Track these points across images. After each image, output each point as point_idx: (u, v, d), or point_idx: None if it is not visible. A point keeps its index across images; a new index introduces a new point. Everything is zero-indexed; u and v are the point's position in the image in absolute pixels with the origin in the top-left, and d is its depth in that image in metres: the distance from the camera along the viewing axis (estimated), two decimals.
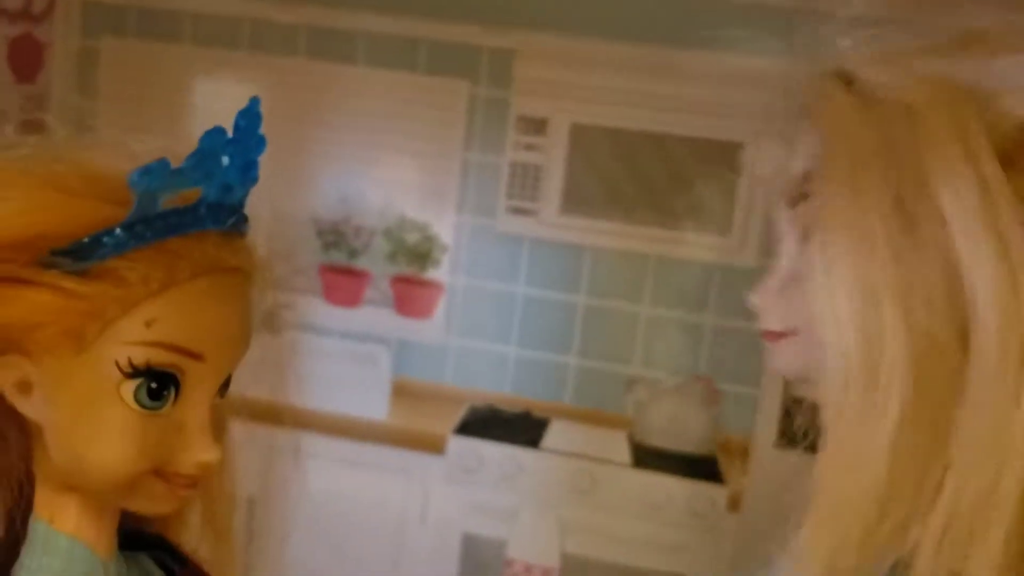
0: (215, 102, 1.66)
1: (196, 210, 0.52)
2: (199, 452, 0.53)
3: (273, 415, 1.77)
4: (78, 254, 0.49)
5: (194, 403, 0.53)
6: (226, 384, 0.56)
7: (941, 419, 0.40)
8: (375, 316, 1.64)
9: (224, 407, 0.59)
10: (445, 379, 1.66)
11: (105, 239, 0.49)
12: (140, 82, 1.68)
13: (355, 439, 1.66)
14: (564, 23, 1.53)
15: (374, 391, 1.66)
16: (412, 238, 1.63)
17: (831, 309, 0.43)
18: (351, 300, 1.65)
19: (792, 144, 0.50)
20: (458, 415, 1.64)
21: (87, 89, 1.71)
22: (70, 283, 0.49)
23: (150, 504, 0.55)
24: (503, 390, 1.64)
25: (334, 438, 1.67)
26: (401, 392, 1.65)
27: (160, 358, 0.51)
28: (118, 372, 0.50)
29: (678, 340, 1.56)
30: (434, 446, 1.63)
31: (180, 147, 0.52)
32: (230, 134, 0.53)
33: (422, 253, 1.63)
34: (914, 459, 0.40)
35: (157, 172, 0.49)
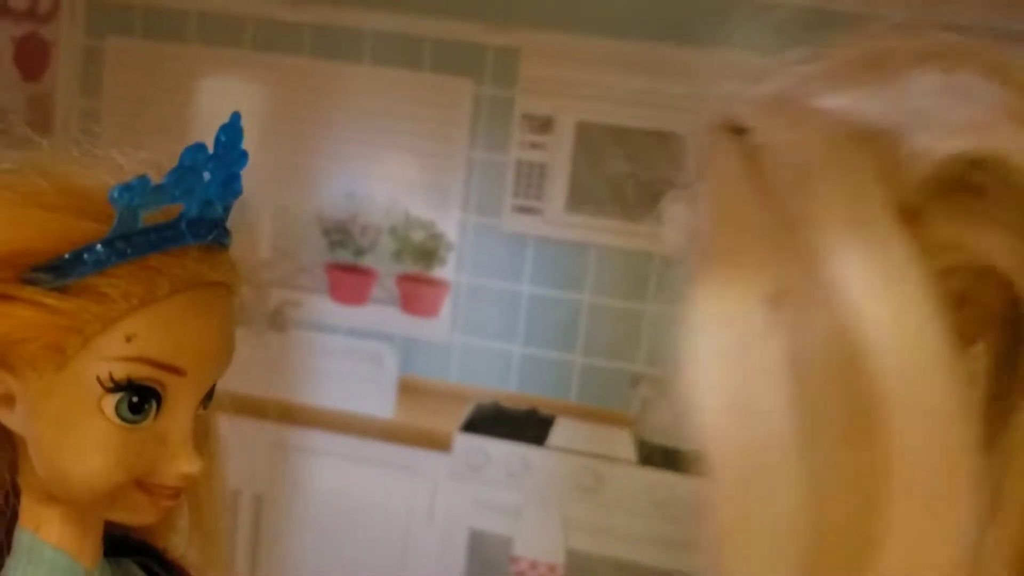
0: (220, 101, 1.67)
1: (177, 226, 0.52)
2: (181, 464, 0.53)
3: (280, 413, 1.78)
4: (59, 270, 0.50)
5: (176, 416, 0.53)
6: (209, 395, 0.57)
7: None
8: (381, 314, 1.65)
9: (206, 417, 0.59)
10: (451, 377, 1.66)
11: (86, 256, 0.50)
12: (145, 81, 1.68)
13: (361, 436, 1.66)
14: (569, 21, 1.53)
15: (380, 389, 1.66)
16: (418, 236, 1.63)
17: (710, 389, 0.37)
18: (357, 298, 1.66)
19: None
20: (464, 413, 1.64)
21: (92, 88, 1.71)
22: (51, 299, 0.50)
23: (133, 515, 0.56)
24: (508, 388, 1.65)
25: (341, 435, 1.67)
26: (407, 390, 1.66)
27: (141, 373, 0.51)
28: (99, 387, 0.51)
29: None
30: (440, 444, 1.63)
31: (165, 161, 0.52)
32: (211, 149, 0.53)
33: (427, 251, 1.63)
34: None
35: (138, 189, 0.49)
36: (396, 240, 1.63)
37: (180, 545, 0.66)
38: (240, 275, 0.57)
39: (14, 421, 0.53)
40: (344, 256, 1.65)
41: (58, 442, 0.52)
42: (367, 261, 1.65)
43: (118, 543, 0.63)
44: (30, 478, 0.55)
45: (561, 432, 1.61)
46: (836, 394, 0.33)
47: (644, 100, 1.51)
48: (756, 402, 0.35)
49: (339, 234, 1.64)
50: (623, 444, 1.59)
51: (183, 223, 0.52)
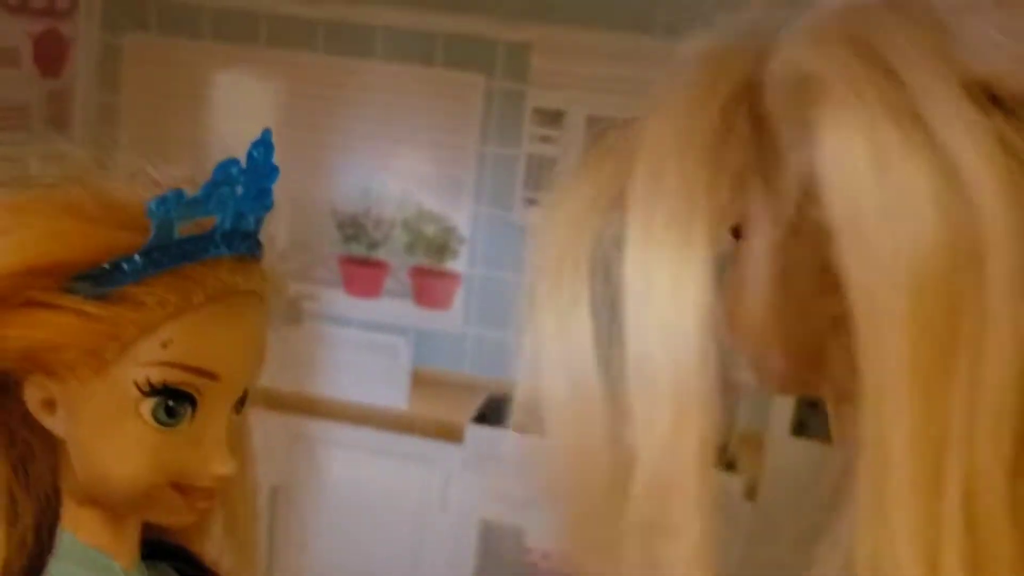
0: (235, 96, 1.68)
1: (211, 238, 0.54)
2: (215, 466, 0.55)
3: (295, 404, 1.80)
4: (98, 280, 0.52)
5: (210, 419, 0.55)
6: (243, 400, 0.58)
7: None
8: (394, 307, 1.66)
9: (241, 422, 0.61)
10: (464, 368, 1.67)
11: (124, 266, 0.52)
12: (162, 77, 1.70)
13: (375, 428, 1.68)
14: (579, 16, 1.54)
15: (394, 380, 1.68)
16: (430, 229, 1.64)
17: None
18: (371, 291, 1.67)
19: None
20: (476, 404, 1.65)
21: (110, 84, 1.73)
22: (90, 307, 0.52)
23: (169, 516, 0.57)
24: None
25: (355, 427, 1.69)
26: (420, 381, 1.67)
27: (176, 377, 0.53)
28: (137, 391, 0.53)
29: None
30: (453, 434, 1.65)
31: (199, 175, 0.54)
32: (243, 164, 0.55)
33: (440, 244, 1.64)
34: None
35: (173, 201, 0.51)
36: (409, 233, 1.65)
37: (213, 551, 0.68)
38: (271, 284, 0.59)
39: (55, 425, 0.55)
40: (358, 249, 1.66)
41: (97, 445, 0.54)
42: (380, 254, 1.66)
43: (155, 547, 0.64)
44: (70, 481, 0.57)
45: None
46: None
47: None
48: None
49: (353, 227, 1.66)
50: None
51: (217, 235, 0.54)
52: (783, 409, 1.55)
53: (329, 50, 1.63)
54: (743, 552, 1.61)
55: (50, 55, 1.73)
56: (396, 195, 1.64)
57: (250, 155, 0.56)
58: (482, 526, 1.66)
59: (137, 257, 0.52)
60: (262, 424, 0.72)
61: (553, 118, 1.57)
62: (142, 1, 1.70)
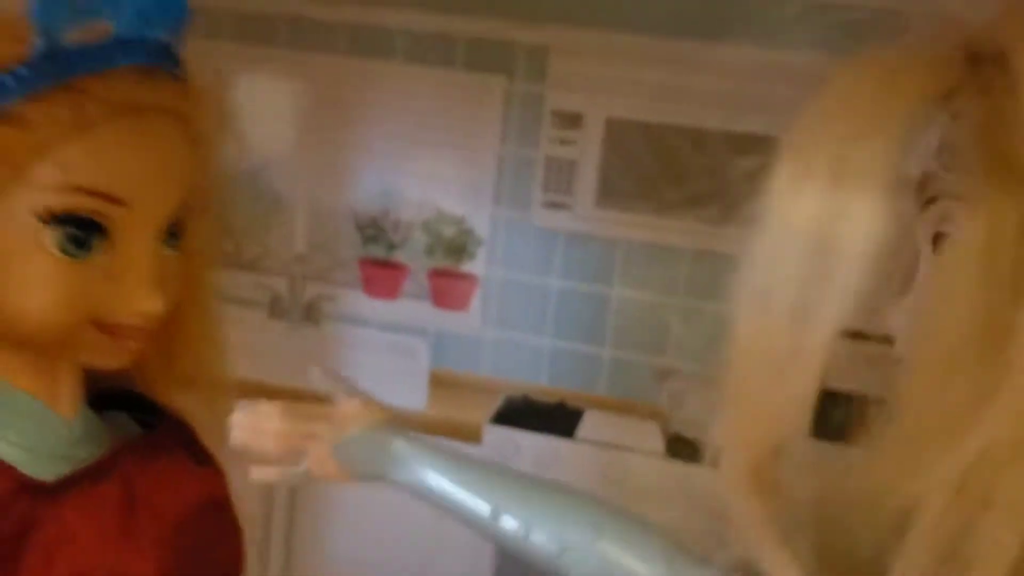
0: (256, 98, 1.69)
1: (104, 45, 0.49)
2: (138, 302, 0.51)
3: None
4: None
5: (128, 252, 0.51)
6: (174, 233, 0.54)
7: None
8: (413, 308, 1.67)
9: (177, 260, 0.56)
10: (481, 370, 1.68)
11: (6, 80, 0.47)
12: None
13: None
14: (599, 19, 1.55)
15: (413, 382, 1.68)
16: (449, 231, 1.65)
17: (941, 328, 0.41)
18: (390, 292, 1.68)
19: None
20: (494, 405, 1.66)
21: None
22: None
23: (99, 357, 0.53)
24: (538, 381, 1.66)
25: None
26: (439, 383, 1.68)
27: (79, 204, 0.49)
28: (36, 220, 0.49)
29: (711, 332, 1.57)
30: (471, 435, 1.65)
31: None
32: None
33: (459, 246, 1.65)
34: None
35: (58, 3, 0.46)
36: (428, 235, 1.66)
37: (186, 402, 0.63)
38: (193, 103, 0.54)
39: None
40: (377, 251, 1.67)
41: (4, 280, 0.50)
42: (399, 256, 1.67)
43: (111, 397, 0.61)
44: None
45: (590, 425, 1.63)
46: None
47: (673, 96, 1.52)
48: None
49: (372, 229, 1.67)
50: (651, 436, 1.60)
51: (112, 42, 0.49)
52: None
53: (350, 52, 1.63)
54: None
55: None
56: (415, 197, 1.65)
57: None
58: None
59: (22, 68, 0.47)
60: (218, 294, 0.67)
61: (572, 120, 1.58)
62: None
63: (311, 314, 1.70)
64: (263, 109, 1.68)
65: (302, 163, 1.64)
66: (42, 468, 0.54)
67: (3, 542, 0.50)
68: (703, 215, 1.63)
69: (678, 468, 1.58)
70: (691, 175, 1.54)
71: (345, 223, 1.67)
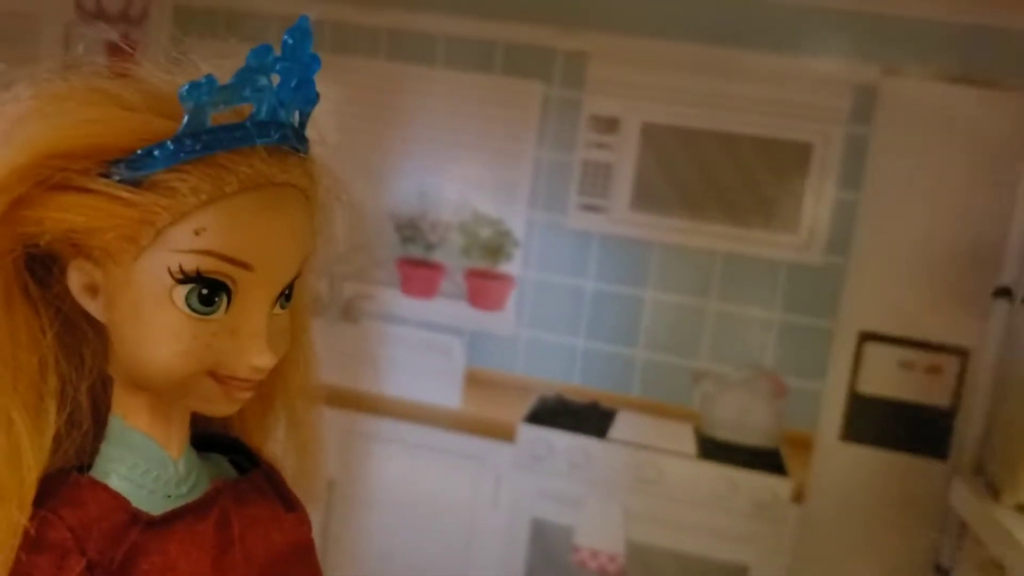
0: None
1: (243, 126, 0.54)
2: (251, 356, 0.55)
3: (352, 401, 1.84)
4: (132, 165, 0.52)
5: (247, 310, 0.55)
6: (288, 296, 0.58)
7: None
8: (450, 308, 1.70)
9: (296, 320, 0.61)
10: (516, 369, 1.70)
11: (156, 152, 0.52)
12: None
13: (429, 426, 1.71)
14: (636, 25, 1.56)
15: (448, 380, 1.71)
16: (485, 233, 1.67)
17: None
18: (427, 292, 1.71)
19: None
20: (528, 404, 1.68)
21: None
22: (123, 191, 0.52)
23: (207, 405, 0.57)
24: (572, 381, 1.68)
25: (409, 424, 1.72)
26: (473, 381, 1.70)
27: (209, 265, 0.53)
28: (170, 278, 0.53)
29: (744, 335, 1.59)
30: (505, 434, 1.67)
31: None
32: (278, 51, 0.54)
33: (495, 247, 1.67)
34: None
35: (205, 87, 0.51)
36: (465, 236, 1.68)
37: (276, 452, 0.68)
38: (314, 180, 0.59)
39: (97, 310, 0.56)
40: (415, 251, 1.70)
41: (134, 330, 0.54)
42: (437, 256, 1.69)
43: (211, 440, 0.65)
44: (117, 367, 0.58)
45: (623, 425, 1.64)
46: None
47: (708, 102, 1.53)
48: None
49: (410, 230, 1.70)
50: (683, 438, 1.61)
51: (250, 123, 0.54)
52: (832, 413, 1.55)
53: (391, 57, 1.67)
54: (790, 554, 1.63)
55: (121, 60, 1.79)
56: (453, 199, 1.67)
57: (285, 42, 0.55)
58: (533, 524, 1.69)
59: (169, 143, 0.52)
60: (320, 419, 0.73)
61: (608, 125, 1.59)
62: (210, 9, 1.75)
63: (350, 312, 1.73)
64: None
65: (343, 164, 1.67)
66: (147, 502, 0.58)
67: (114, 569, 0.55)
68: (737, 219, 1.65)
69: (711, 470, 1.59)
70: (725, 180, 1.55)
71: (384, 224, 1.70)
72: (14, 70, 0.57)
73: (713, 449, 1.60)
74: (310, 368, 0.68)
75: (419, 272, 1.70)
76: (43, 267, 0.57)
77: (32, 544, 0.54)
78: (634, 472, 1.63)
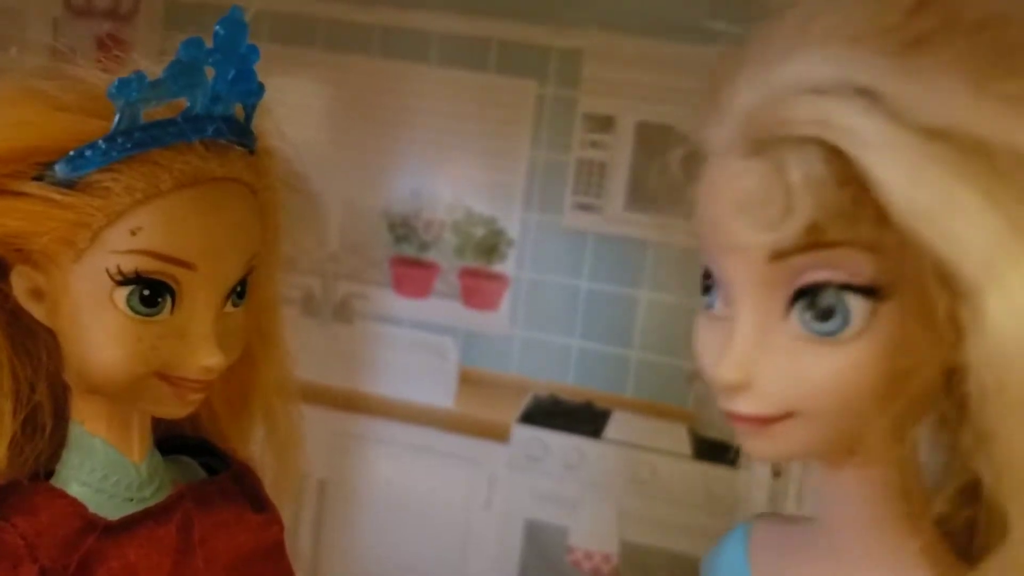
0: (291, 99, 1.71)
1: (175, 121, 0.54)
2: (200, 357, 0.54)
3: (344, 401, 1.83)
4: (65, 167, 0.52)
5: (194, 310, 0.55)
6: (240, 294, 0.58)
7: None
8: (443, 307, 1.69)
9: (240, 315, 0.59)
10: (510, 369, 1.69)
11: (87, 152, 0.52)
12: None
13: (423, 426, 1.70)
14: (632, 23, 1.55)
15: (442, 380, 1.70)
16: (479, 232, 1.66)
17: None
18: (420, 291, 1.70)
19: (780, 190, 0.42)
20: (522, 405, 1.67)
21: None
22: (57, 194, 0.52)
23: (160, 407, 0.57)
24: (566, 381, 1.67)
25: (402, 424, 1.71)
26: (467, 381, 1.69)
27: (148, 266, 0.53)
28: (109, 280, 0.53)
29: None
30: (499, 434, 1.66)
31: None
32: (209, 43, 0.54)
33: (489, 247, 1.66)
34: None
35: (135, 84, 0.51)
36: (458, 235, 1.67)
37: (256, 454, 0.67)
38: (261, 174, 0.58)
39: (43, 315, 0.56)
40: (408, 250, 1.69)
41: (77, 334, 0.54)
42: (430, 255, 1.68)
43: (182, 443, 0.65)
44: (70, 372, 0.58)
45: (617, 425, 1.64)
46: None
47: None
48: None
49: (404, 229, 1.69)
50: (678, 438, 1.61)
51: (184, 119, 0.54)
52: None
53: (384, 54, 1.65)
54: None
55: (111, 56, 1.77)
56: (447, 198, 1.66)
57: (216, 34, 0.56)
58: (527, 525, 1.68)
59: (100, 142, 0.51)
60: (312, 419, 0.72)
61: (603, 124, 1.59)
62: (201, 4, 1.74)
63: (343, 312, 1.72)
64: (297, 109, 1.70)
65: (336, 162, 1.66)
66: (109, 508, 0.59)
67: (70, 575, 0.55)
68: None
69: (705, 470, 1.59)
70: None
71: (377, 222, 1.68)
72: None
73: (708, 449, 1.60)
74: (284, 365, 0.68)
75: (412, 271, 1.69)
76: None
77: None
78: (629, 472, 1.63)
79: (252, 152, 0.59)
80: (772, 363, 0.45)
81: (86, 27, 1.76)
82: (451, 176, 1.66)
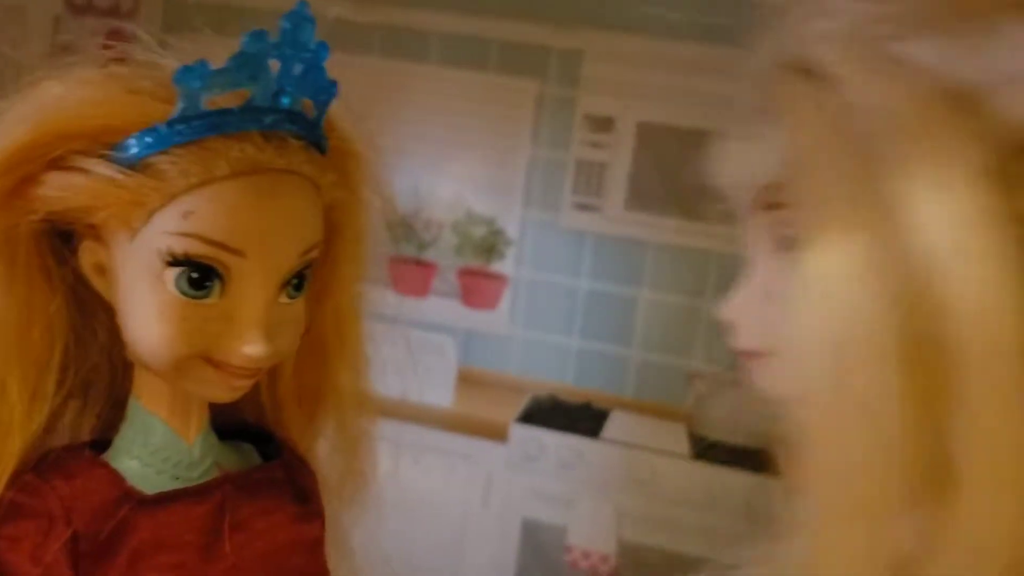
0: None
1: (233, 111, 0.54)
2: (244, 344, 0.55)
3: None
4: (128, 148, 0.53)
5: (243, 297, 0.55)
6: (298, 286, 0.58)
7: (940, 431, 0.35)
8: (442, 307, 1.69)
9: (296, 308, 0.59)
10: (509, 369, 1.70)
11: (148, 136, 0.53)
12: None
13: (422, 425, 1.71)
14: (632, 24, 1.56)
15: (440, 379, 1.70)
16: (479, 232, 1.67)
17: (810, 328, 0.37)
18: (419, 291, 1.70)
19: (757, 145, 0.44)
20: (521, 404, 1.67)
21: None
22: (116, 173, 0.53)
23: (205, 389, 0.58)
24: (565, 381, 1.68)
25: (401, 423, 1.71)
26: (466, 380, 1.70)
27: (198, 249, 0.53)
28: (160, 260, 0.53)
29: None
30: (497, 434, 1.67)
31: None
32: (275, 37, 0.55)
33: (488, 246, 1.67)
34: (913, 473, 0.36)
35: (198, 72, 0.51)
36: (458, 235, 1.67)
37: (323, 452, 0.68)
38: (325, 171, 0.58)
39: (105, 289, 0.57)
40: (408, 250, 1.69)
41: (129, 310, 0.56)
42: (429, 255, 1.69)
43: (243, 430, 0.66)
44: (130, 349, 0.58)
45: (615, 425, 1.64)
46: (916, 345, 0.34)
47: (704, 101, 1.53)
48: (849, 338, 0.35)
49: (403, 228, 1.69)
50: (677, 438, 1.61)
51: (243, 109, 0.54)
52: None
53: (385, 55, 1.66)
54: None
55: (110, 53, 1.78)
56: (447, 197, 1.67)
57: (282, 27, 0.56)
58: (524, 524, 1.69)
59: (161, 126, 0.52)
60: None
61: (603, 124, 1.59)
62: (202, 4, 1.74)
63: None
64: None
65: None
66: (153, 483, 0.60)
67: (101, 542, 0.56)
68: (733, 219, 1.65)
69: (704, 470, 1.59)
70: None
71: (376, 221, 1.69)
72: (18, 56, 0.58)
73: (706, 449, 1.60)
74: (360, 373, 0.68)
75: (411, 270, 1.70)
76: (65, 245, 0.58)
77: (22, 510, 0.56)
78: (626, 472, 1.63)
79: (321, 150, 0.60)
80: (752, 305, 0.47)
81: (87, 25, 1.76)
82: (451, 175, 1.67)
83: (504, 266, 1.66)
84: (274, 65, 0.55)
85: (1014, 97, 0.34)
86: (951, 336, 0.33)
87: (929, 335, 0.34)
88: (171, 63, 0.57)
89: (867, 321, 0.36)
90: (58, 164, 0.54)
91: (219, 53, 0.56)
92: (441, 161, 1.66)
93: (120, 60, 0.57)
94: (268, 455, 0.67)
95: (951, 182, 0.33)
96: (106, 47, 0.60)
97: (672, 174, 1.57)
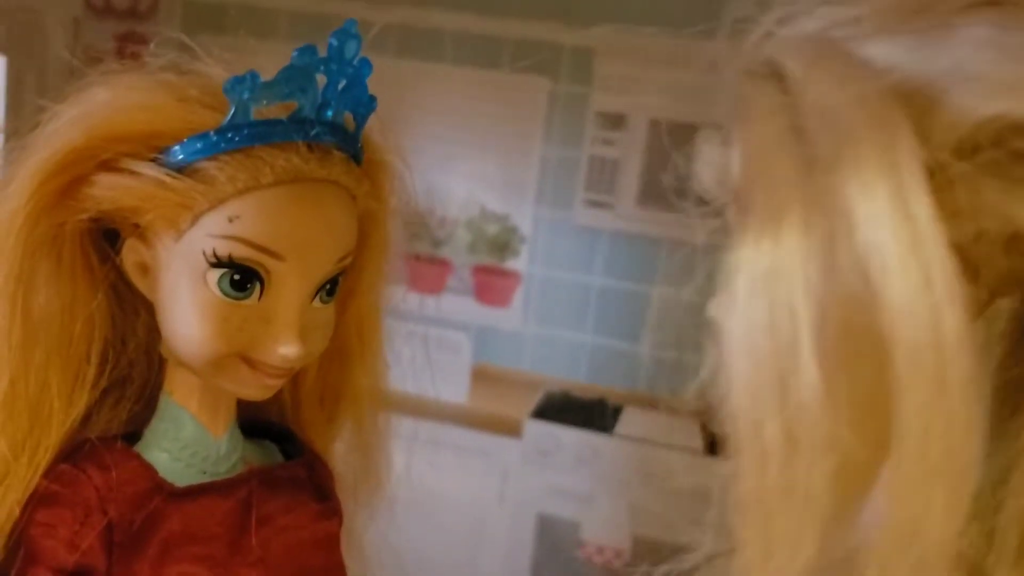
0: None
1: (281, 122, 0.57)
2: (280, 344, 0.58)
3: None
4: (177, 152, 0.56)
5: (280, 299, 0.58)
6: (331, 291, 0.61)
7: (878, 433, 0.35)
8: (456, 304, 1.70)
9: (328, 312, 0.63)
10: (522, 365, 1.70)
11: (199, 142, 0.55)
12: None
13: (436, 421, 1.72)
14: (644, 21, 1.56)
15: (454, 376, 1.71)
16: (492, 229, 1.67)
17: (745, 325, 0.37)
18: (433, 288, 1.71)
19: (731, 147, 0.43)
20: (535, 400, 1.68)
21: None
22: (166, 176, 0.56)
23: (240, 387, 0.61)
24: (578, 377, 1.68)
25: (416, 419, 1.72)
26: (480, 377, 1.71)
27: (240, 252, 0.56)
28: (204, 261, 0.56)
29: None
30: (512, 430, 1.68)
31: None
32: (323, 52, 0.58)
33: (502, 244, 1.68)
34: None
35: (248, 82, 0.54)
36: (471, 232, 1.68)
37: (341, 452, 0.71)
38: (361, 182, 0.61)
39: (146, 288, 0.60)
40: (422, 247, 1.70)
41: (171, 308, 0.58)
42: (444, 252, 1.70)
43: (266, 428, 0.69)
44: (166, 346, 0.61)
45: (629, 421, 1.64)
46: (853, 346, 0.34)
47: (716, 98, 1.53)
48: (781, 334, 0.36)
49: (417, 226, 1.70)
50: (690, 434, 1.62)
51: (287, 119, 0.57)
52: None
53: (399, 53, 1.67)
54: None
55: (130, 54, 1.80)
56: (460, 195, 1.68)
57: (330, 44, 0.59)
58: (539, 519, 1.69)
59: (212, 133, 0.55)
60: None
61: (615, 122, 1.60)
62: (220, 5, 1.75)
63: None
64: None
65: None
66: (181, 476, 0.63)
67: (134, 532, 0.59)
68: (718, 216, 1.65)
69: (718, 466, 1.59)
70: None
71: (399, 225, 1.70)
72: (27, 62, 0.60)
73: (720, 444, 1.60)
74: (379, 374, 0.72)
75: (426, 268, 1.71)
76: (109, 244, 0.61)
77: (59, 498, 0.58)
78: (641, 468, 1.64)
79: (358, 161, 0.62)
80: None
81: (106, 27, 1.78)
82: (464, 174, 1.68)
83: (517, 263, 1.67)
84: (320, 79, 0.59)
85: (963, 97, 0.34)
86: (886, 330, 0.33)
87: (865, 329, 0.34)
88: (218, 72, 0.60)
89: (803, 317, 0.35)
90: (108, 166, 0.56)
91: (243, 57, 0.58)
92: (454, 159, 1.67)
93: (167, 68, 0.60)
94: (288, 453, 0.70)
95: (892, 180, 0.33)
96: (126, 50, 0.63)
97: (684, 171, 1.57)
